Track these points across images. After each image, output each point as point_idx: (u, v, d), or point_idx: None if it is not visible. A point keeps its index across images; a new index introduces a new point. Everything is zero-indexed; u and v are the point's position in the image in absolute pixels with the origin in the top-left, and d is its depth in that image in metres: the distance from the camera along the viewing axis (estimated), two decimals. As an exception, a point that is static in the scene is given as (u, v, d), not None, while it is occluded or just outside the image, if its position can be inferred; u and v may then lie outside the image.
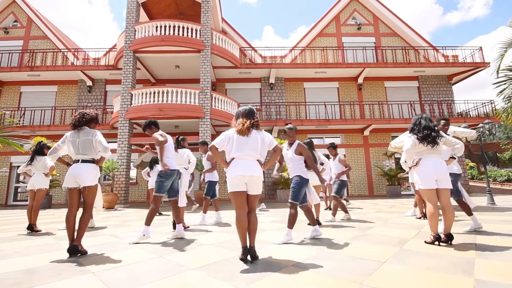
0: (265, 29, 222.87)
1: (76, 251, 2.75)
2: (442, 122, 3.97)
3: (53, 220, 6.06)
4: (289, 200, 3.34)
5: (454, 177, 3.55)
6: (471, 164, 15.66)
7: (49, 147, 4.62)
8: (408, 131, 3.27)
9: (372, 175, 13.23)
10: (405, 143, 3.13)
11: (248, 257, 2.44)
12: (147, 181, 7.25)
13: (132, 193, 12.68)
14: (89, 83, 13.44)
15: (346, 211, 5.01)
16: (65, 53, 13.84)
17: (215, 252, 2.86)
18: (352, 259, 2.47)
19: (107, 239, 3.69)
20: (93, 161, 3.01)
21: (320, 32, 14.89)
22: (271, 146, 2.61)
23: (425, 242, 2.97)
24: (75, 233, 2.86)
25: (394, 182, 11.94)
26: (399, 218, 5.11)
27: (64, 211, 8.53)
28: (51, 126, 12.30)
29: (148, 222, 3.42)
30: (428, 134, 2.97)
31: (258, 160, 2.57)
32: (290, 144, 3.59)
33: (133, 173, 12.78)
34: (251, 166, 2.50)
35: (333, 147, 5.37)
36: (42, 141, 4.81)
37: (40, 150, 4.67)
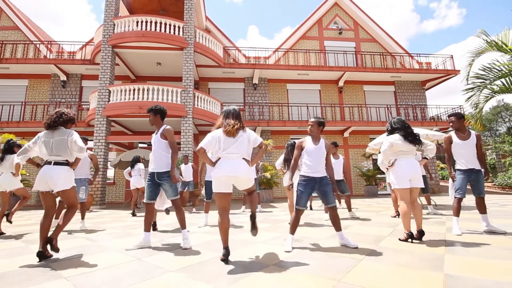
0: (250, 28, 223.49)
1: (44, 257, 2.61)
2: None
3: (22, 222, 5.69)
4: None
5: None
6: (442, 165, 16.59)
7: (19, 146, 4.36)
8: (386, 133, 3.42)
9: (351, 175, 13.63)
10: (383, 144, 3.26)
11: (228, 258, 2.45)
12: (128, 181, 7.02)
13: (109, 194, 12.20)
14: (63, 77, 12.78)
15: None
16: (38, 45, 13.08)
17: (196, 253, 2.82)
18: (330, 257, 2.53)
19: (81, 242, 3.53)
20: (66, 163, 2.84)
21: (303, 34, 15.15)
22: (256, 143, 2.64)
23: (399, 239, 3.11)
24: (49, 231, 2.72)
25: (371, 182, 12.38)
26: (376, 216, 5.31)
27: (34, 212, 8.04)
28: (20, 122, 11.55)
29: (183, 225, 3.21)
30: (411, 133, 3.15)
31: (244, 159, 2.57)
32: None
33: (110, 172, 12.31)
34: (238, 166, 2.50)
35: (335, 145, 5.53)
36: (11, 139, 4.51)
37: (9, 149, 4.38)
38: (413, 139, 3.14)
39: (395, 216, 5.11)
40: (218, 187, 2.52)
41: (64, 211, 2.82)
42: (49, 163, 2.78)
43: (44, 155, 2.82)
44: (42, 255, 2.61)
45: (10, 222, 4.35)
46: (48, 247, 2.66)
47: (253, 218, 2.61)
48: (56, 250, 2.66)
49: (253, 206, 2.74)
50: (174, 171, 3.22)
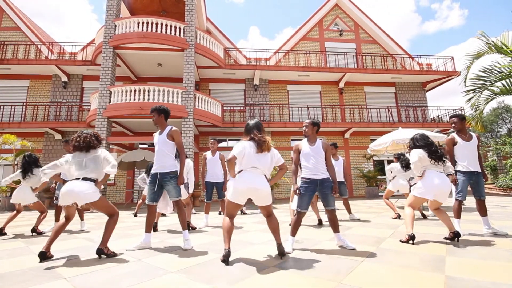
0: (251, 29, 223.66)
1: (45, 257, 2.63)
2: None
3: (23, 223, 5.70)
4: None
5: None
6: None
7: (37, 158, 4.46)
8: (409, 148, 3.45)
9: (351, 176, 13.61)
10: (411, 156, 3.25)
11: (277, 255, 2.59)
12: (130, 181, 6.96)
13: (109, 195, 12.21)
14: (65, 78, 12.80)
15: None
16: (39, 46, 13.11)
17: (196, 254, 2.82)
18: (331, 258, 2.53)
19: (82, 243, 3.53)
20: (94, 180, 2.84)
21: (304, 36, 15.17)
22: (278, 163, 2.72)
23: (400, 241, 3.10)
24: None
25: (372, 184, 12.37)
26: (376, 218, 5.30)
27: (36, 214, 8.03)
28: (21, 123, 11.56)
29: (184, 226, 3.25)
30: (435, 151, 3.17)
31: (265, 175, 2.65)
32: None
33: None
34: (259, 180, 2.57)
35: (335, 146, 5.54)
36: (31, 153, 4.44)
37: (35, 162, 4.36)
38: (437, 158, 3.15)
39: (395, 218, 5.10)
40: (236, 198, 2.57)
41: (108, 220, 2.88)
42: (77, 178, 2.79)
43: (72, 174, 2.85)
44: (44, 256, 2.61)
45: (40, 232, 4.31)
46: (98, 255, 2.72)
47: (280, 249, 2.57)
48: (112, 255, 2.75)
49: (278, 234, 2.63)
50: (183, 173, 3.21)
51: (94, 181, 2.84)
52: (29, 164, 4.30)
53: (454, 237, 3.03)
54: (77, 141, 2.91)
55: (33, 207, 4.37)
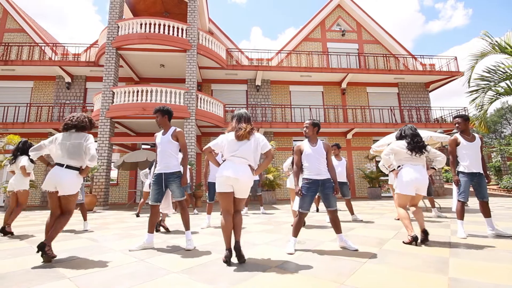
0: (254, 30, 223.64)
1: (43, 248, 2.51)
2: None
3: (26, 223, 5.74)
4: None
5: None
6: (447, 167, 16.44)
7: None
8: (394, 139, 3.43)
9: (354, 177, 13.56)
10: (385, 149, 3.27)
11: (233, 257, 2.45)
12: (132, 182, 6.97)
13: (112, 195, 12.26)
14: (68, 79, 12.90)
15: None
16: (43, 47, 13.22)
17: (199, 254, 2.82)
18: (333, 259, 2.52)
19: (85, 243, 3.54)
20: (78, 169, 2.83)
21: (306, 36, 15.16)
22: (264, 149, 2.63)
23: (403, 242, 3.08)
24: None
25: (375, 184, 12.31)
26: (379, 219, 5.27)
27: (39, 213, 8.10)
28: (25, 123, 11.67)
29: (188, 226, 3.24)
30: (416, 142, 3.18)
31: (250, 166, 2.58)
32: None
33: (113, 173, 12.37)
34: (240, 169, 2.50)
35: (337, 147, 5.53)
36: (27, 140, 4.53)
37: (25, 150, 4.38)
38: (412, 148, 3.17)
39: (398, 219, 5.07)
40: (219, 187, 2.54)
41: (59, 217, 2.75)
42: (61, 165, 2.77)
43: (57, 157, 2.80)
44: (43, 248, 2.51)
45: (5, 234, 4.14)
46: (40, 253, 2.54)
47: (237, 247, 2.45)
48: (50, 257, 2.56)
49: (239, 231, 2.54)
50: (186, 174, 3.21)
51: (78, 169, 2.83)
52: (18, 151, 4.35)
53: (412, 241, 2.97)
54: (70, 119, 2.89)
55: (19, 194, 4.28)
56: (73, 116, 2.93)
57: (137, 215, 6.53)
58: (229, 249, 2.44)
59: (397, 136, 3.42)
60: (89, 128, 3.02)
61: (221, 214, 2.60)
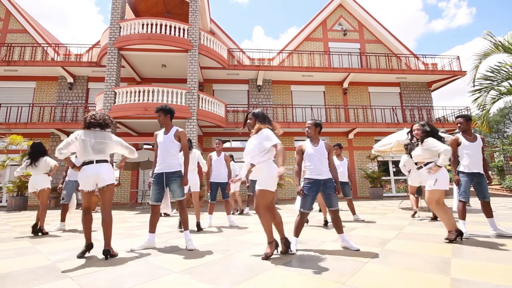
0: (255, 29, 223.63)
1: (108, 253, 2.70)
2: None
3: (30, 223, 5.77)
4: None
5: None
6: (448, 167, 16.38)
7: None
8: (430, 136, 3.39)
9: (355, 177, 13.53)
10: (441, 145, 3.19)
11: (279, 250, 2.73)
12: (134, 181, 7.04)
13: (114, 195, 12.29)
14: (70, 80, 12.95)
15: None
16: (45, 48, 13.29)
17: (200, 254, 2.82)
18: (335, 259, 2.52)
19: (87, 242, 3.55)
20: (108, 161, 2.92)
21: (308, 36, 15.13)
22: (268, 145, 2.78)
23: (446, 239, 3.09)
24: (104, 237, 2.79)
25: (376, 184, 12.27)
26: (381, 219, 5.26)
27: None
28: (28, 124, 11.73)
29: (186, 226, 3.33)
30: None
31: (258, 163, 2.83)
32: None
33: (115, 173, 12.42)
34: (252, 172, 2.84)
35: (339, 147, 5.53)
36: (41, 142, 4.57)
37: (42, 151, 4.45)
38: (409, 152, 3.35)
39: (414, 216, 5.27)
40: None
41: (102, 221, 2.86)
42: (91, 162, 2.80)
43: (81, 155, 2.82)
44: (108, 253, 2.69)
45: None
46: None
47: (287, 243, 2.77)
48: (115, 256, 2.76)
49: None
50: (187, 174, 3.23)
51: (107, 161, 2.91)
52: (39, 153, 4.38)
53: (457, 236, 3.03)
54: (93, 117, 2.90)
55: (41, 194, 4.34)
56: (95, 114, 2.93)
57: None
58: (284, 238, 2.75)
59: (430, 133, 3.37)
60: (110, 125, 3.07)
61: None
